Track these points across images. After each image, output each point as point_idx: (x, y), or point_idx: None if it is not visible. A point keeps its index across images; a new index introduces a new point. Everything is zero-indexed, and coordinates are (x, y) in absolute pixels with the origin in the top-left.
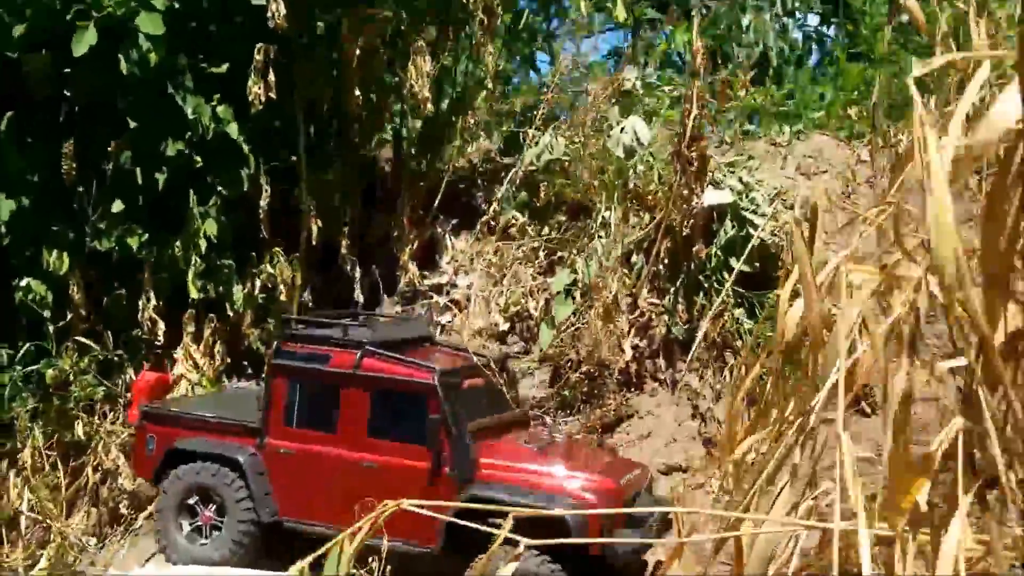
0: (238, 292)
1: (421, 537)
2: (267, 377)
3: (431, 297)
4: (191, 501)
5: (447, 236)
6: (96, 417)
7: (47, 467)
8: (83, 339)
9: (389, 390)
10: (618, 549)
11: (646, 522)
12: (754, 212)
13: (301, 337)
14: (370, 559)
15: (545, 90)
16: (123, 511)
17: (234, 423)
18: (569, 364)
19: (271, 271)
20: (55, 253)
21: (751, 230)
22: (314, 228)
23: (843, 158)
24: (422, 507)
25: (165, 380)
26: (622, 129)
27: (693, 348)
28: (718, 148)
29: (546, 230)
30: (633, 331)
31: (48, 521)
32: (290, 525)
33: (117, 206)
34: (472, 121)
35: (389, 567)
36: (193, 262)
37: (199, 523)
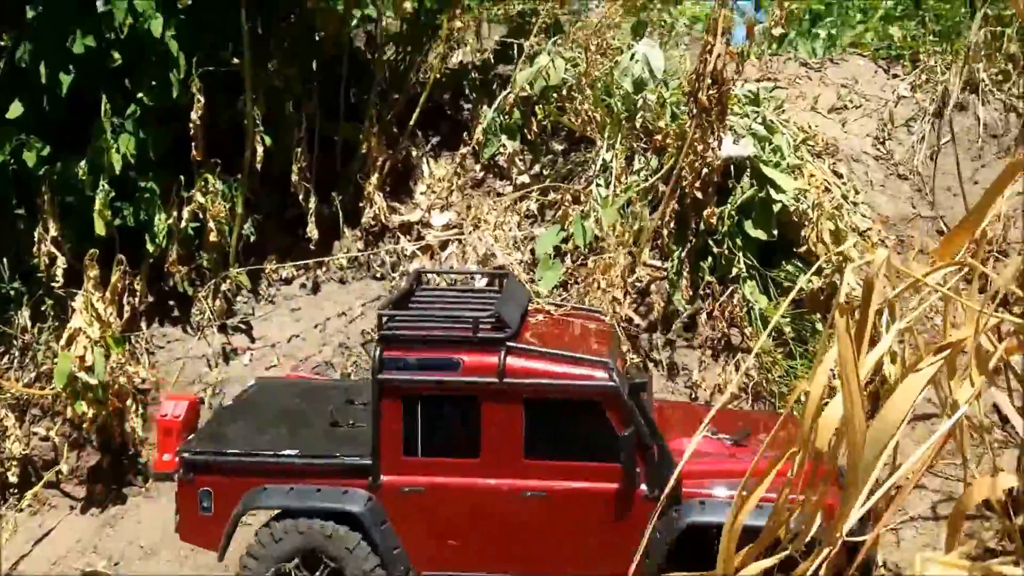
0: (160, 222)
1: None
2: (374, 400)
3: (397, 239)
4: (288, 567)
5: (424, 160)
6: None
7: None
8: None
9: (551, 398)
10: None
11: None
12: (776, 166)
13: (408, 340)
14: None
15: None
16: (11, 479)
17: (331, 461)
18: None
19: (202, 200)
20: None
21: (772, 191)
22: (258, 147)
23: (880, 85)
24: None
25: (193, 404)
26: (632, 56)
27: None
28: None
29: (536, 167)
30: (628, 299)
31: None
32: None
33: (14, 111)
34: (460, 23)
35: None
36: (101, 186)
37: None
